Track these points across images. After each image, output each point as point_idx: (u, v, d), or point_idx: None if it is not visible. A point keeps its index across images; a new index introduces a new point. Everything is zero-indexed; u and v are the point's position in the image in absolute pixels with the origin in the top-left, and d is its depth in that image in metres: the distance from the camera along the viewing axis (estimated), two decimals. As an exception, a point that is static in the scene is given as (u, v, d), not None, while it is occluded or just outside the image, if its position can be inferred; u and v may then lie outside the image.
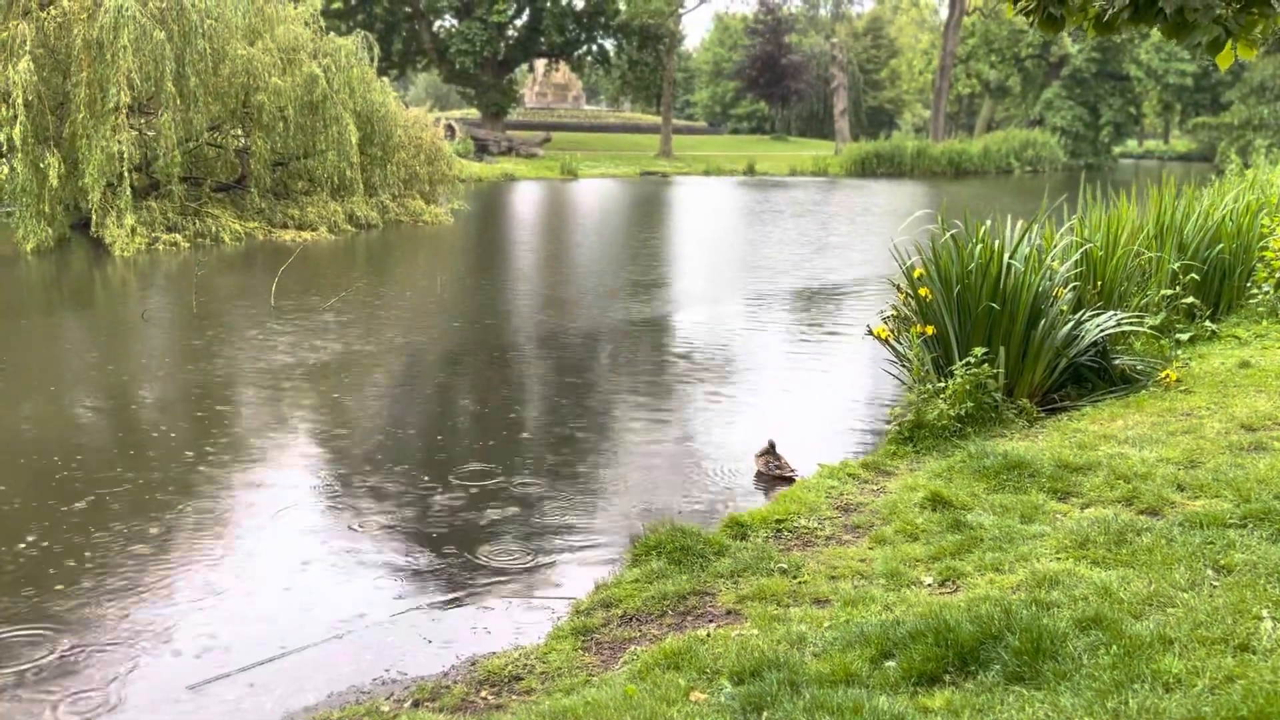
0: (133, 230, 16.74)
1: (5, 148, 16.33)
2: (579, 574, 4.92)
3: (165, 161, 17.42)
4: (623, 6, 49.58)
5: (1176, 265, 9.22)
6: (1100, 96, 59.29)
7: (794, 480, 6.15)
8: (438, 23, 49.14)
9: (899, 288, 7.76)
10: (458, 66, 47.79)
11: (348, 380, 8.87)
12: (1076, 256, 7.94)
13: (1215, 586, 3.84)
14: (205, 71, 17.76)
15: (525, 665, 3.91)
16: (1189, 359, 8.10)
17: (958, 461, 5.79)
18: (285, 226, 19.17)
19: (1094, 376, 7.48)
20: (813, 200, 30.82)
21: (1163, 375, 7.32)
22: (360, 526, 5.55)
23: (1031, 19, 3.93)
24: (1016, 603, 3.72)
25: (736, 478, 6.37)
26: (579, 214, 27.00)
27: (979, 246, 7.19)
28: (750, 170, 45.09)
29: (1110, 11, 3.78)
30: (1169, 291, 8.95)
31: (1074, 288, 7.60)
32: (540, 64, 60.26)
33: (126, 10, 16.13)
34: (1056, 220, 8.47)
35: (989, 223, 7.41)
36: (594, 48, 52.49)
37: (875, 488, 5.82)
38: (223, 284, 13.89)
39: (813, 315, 12.08)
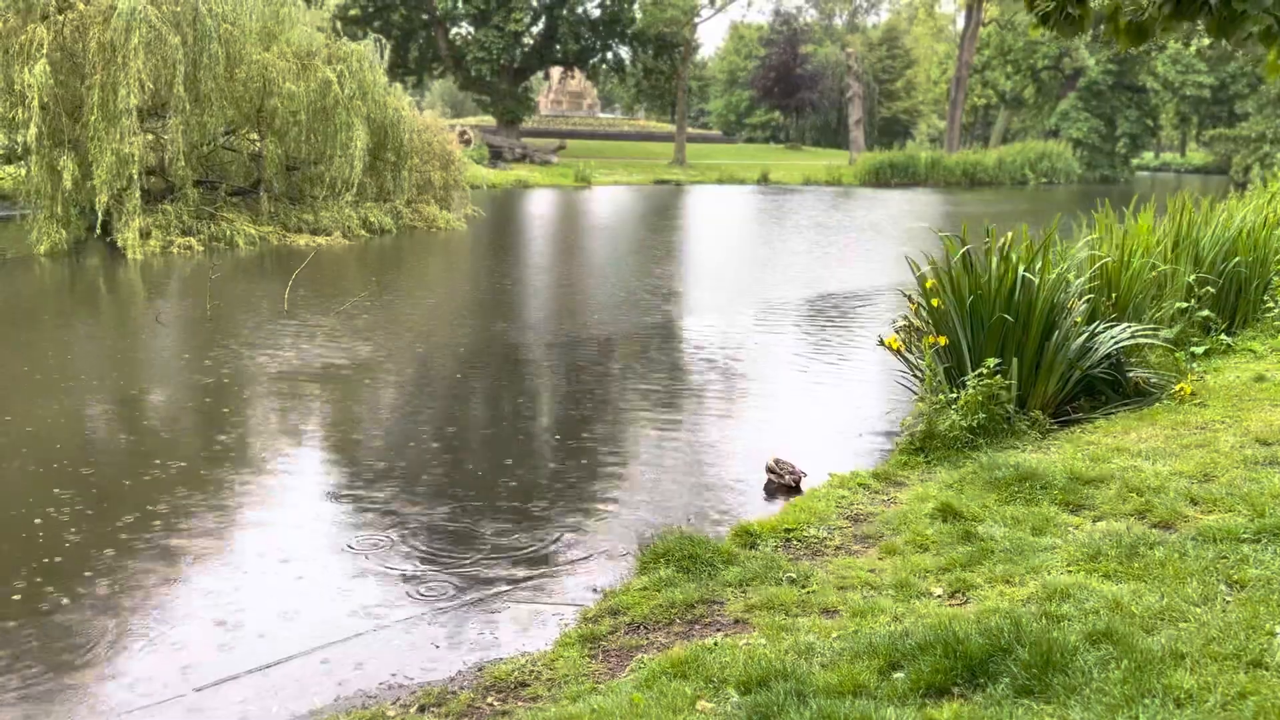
0: (147, 233, 16.82)
1: (21, 150, 16.43)
2: (587, 581, 4.91)
3: (175, 165, 17.51)
4: (638, 15, 49.69)
5: (1192, 278, 9.17)
6: (1116, 108, 59.02)
7: (804, 477, 6.17)
8: (454, 30, 49.24)
9: (911, 298, 7.73)
10: (474, 74, 47.92)
11: (358, 385, 8.88)
12: (1093, 270, 7.90)
13: (1228, 601, 3.81)
14: (219, 75, 17.86)
15: (532, 672, 3.90)
16: (1204, 372, 8.04)
17: (969, 472, 5.77)
18: (299, 231, 19.24)
19: (1107, 389, 7.44)
20: (826, 209, 30.79)
21: (1177, 388, 7.27)
22: (369, 530, 5.55)
23: (1049, 20, 3.85)
24: (1027, 615, 3.70)
25: (746, 486, 6.35)
26: (592, 222, 27.02)
27: (993, 258, 7.16)
28: (764, 179, 45.08)
29: (1149, 10, 3.66)
30: (1184, 304, 8.90)
31: (1089, 300, 7.56)
32: (556, 72, 60.45)
33: (139, 13, 16.24)
34: (1072, 232, 8.43)
35: (1009, 234, 7.37)
36: (609, 56, 52.59)
37: (886, 498, 5.79)
38: (236, 288, 13.94)
39: (824, 324, 12.04)
